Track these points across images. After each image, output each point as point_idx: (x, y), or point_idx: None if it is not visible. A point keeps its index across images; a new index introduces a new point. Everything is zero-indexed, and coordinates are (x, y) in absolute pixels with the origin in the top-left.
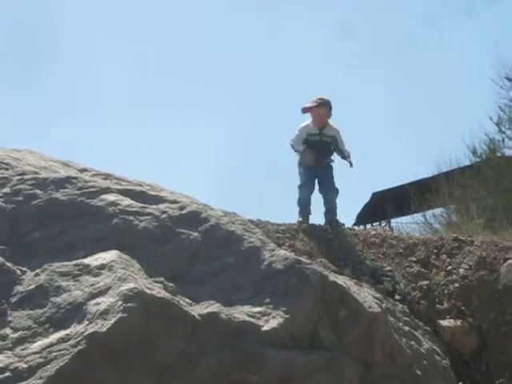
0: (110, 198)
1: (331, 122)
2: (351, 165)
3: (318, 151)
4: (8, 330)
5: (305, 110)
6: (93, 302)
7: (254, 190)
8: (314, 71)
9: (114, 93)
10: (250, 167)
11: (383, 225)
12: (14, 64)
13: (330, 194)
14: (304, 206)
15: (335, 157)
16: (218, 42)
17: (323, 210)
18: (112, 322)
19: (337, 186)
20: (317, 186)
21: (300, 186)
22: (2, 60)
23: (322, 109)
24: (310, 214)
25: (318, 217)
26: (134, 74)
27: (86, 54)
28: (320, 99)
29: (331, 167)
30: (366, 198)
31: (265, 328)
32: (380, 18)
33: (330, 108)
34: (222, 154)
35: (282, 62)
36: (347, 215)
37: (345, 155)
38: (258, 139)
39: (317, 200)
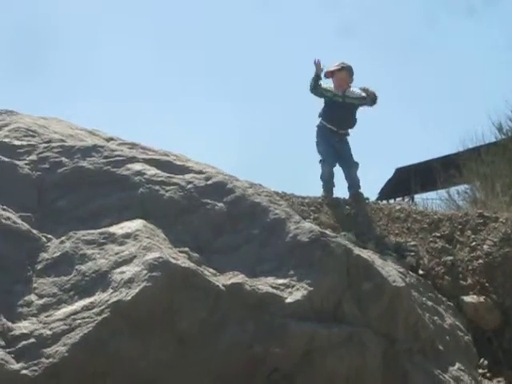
0: (136, 167)
1: (352, 87)
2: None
3: (341, 112)
4: (33, 297)
5: (328, 74)
6: (117, 270)
7: (278, 163)
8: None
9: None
10: (273, 140)
11: (406, 200)
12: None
13: (351, 168)
14: (327, 180)
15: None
16: (227, 39)
17: (346, 185)
18: (136, 290)
19: (356, 159)
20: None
21: (321, 161)
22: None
23: (343, 72)
24: (333, 186)
25: (342, 190)
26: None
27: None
28: (342, 63)
29: (347, 141)
30: (390, 174)
31: (288, 300)
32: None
33: (352, 73)
34: (245, 128)
35: (285, 59)
36: (370, 190)
37: (365, 97)
38: (280, 117)
39: (341, 174)
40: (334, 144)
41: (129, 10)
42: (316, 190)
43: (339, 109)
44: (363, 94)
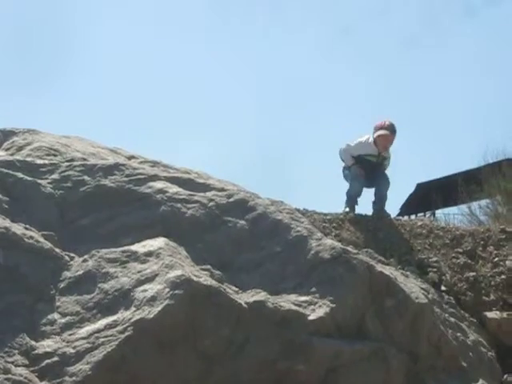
0: (158, 185)
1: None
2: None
3: (371, 170)
4: (56, 315)
5: (377, 129)
6: (140, 288)
7: (299, 180)
8: (319, 68)
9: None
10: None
11: (427, 216)
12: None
13: (383, 185)
14: (353, 197)
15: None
16: (227, 39)
17: (372, 199)
18: (159, 308)
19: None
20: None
21: (351, 179)
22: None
23: (393, 136)
24: (356, 204)
25: (363, 207)
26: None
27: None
28: (393, 126)
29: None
30: (411, 189)
31: (311, 317)
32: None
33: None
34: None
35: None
36: (392, 206)
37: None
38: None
39: (363, 191)
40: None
41: None
42: (337, 206)
43: (371, 167)
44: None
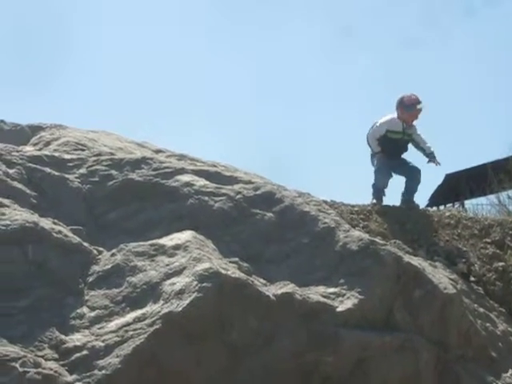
0: (185, 178)
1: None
2: (439, 164)
3: (397, 149)
4: (85, 309)
5: (413, 104)
6: (168, 281)
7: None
8: (319, 68)
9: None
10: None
11: (456, 206)
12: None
13: (414, 176)
14: (379, 189)
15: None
16: (228, 38)
17: (401, 190)
18: (187, 301)
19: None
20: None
21: (377, 171)
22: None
23: (420, 112)
24: (384, 195)
25: (390, 198)
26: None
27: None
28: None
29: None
30: (440, 180)
31: (339, 309)
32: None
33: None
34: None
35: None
36: (420, 197)
37: (431, 155)
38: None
39: (390, 182)
40: (389, 163)
41: None
42: (364, 197)
43: (397, 145)
44: (429, 150)
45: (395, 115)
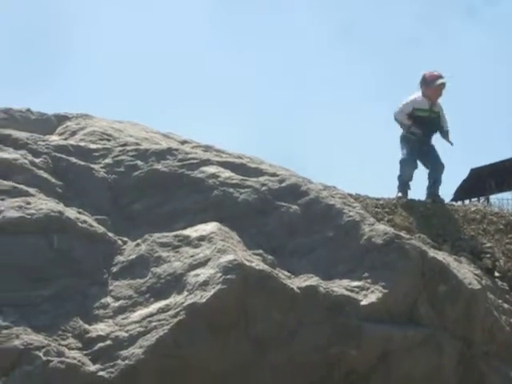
0: (211, 169)
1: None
2: (451, 144)
3: (426, 127)
4: (109, 299)
5: (434, 80)
6: (192, 273)
7: (352, 165)
8: (319, 68)
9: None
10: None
11: (481, 201)
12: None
13: (437, 169)
14: (405, 182)
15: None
16: (230, 38)
17: (426, 184)
18: (211, 293)
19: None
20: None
21: (402, 162)
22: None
23: (444, 87)
24: (409, 189)
25: (416, 192)
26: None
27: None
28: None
29: (433, 144)
30: (465, 175)
31: (363, 302)
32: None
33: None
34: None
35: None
36: (445, 191)
37: (445, 134)
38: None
39: (416, 176)
40: (418, 149)
41: None
42: (390, 191)
43: (426, 124)
44: (446, 130)
45: (420, 93)
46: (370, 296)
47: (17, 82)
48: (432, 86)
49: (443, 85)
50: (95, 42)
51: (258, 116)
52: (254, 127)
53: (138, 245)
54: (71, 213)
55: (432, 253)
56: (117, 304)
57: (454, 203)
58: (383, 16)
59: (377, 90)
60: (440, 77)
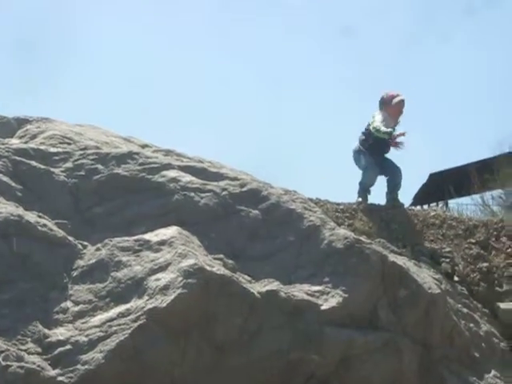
0: (171, 174)
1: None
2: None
3: (382, 150)
4: (69, 304)
5: (392, 98)
6: (153, 277)
7: (312, 169)
8: (319, 67)
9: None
10: (306, 146)
11: (440, 206)
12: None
13: (396, 174)
14: (366, 188)
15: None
16: (230, 38)
17: (385, 189)
18: (172, 297)
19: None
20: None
21: (366, 168)
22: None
23: (403, 105)
24: (369, 193)
25: (375, 197)
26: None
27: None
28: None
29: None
30: (424, 179)
31: (324, 307)
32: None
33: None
34: (276, 132)
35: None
36: (404, 196)
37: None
38: (311, 120)
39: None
40: (375, 158)
41: None
42: (350, 195)
43: (385, 143)
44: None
45: (385, 114)
46: (331, 300)
47: (9, 87)
48: (392, 104)
49: (402, 102)
50: (95, 44)
51: (236, 123)
52: (232, 134)
53: (98, 249)
54: (31, 217)
55: (392, 257)
56: (77, 308)
57: (413, 208)
58: (382, 17)
59: (372, 90)
60: (398, 95)
